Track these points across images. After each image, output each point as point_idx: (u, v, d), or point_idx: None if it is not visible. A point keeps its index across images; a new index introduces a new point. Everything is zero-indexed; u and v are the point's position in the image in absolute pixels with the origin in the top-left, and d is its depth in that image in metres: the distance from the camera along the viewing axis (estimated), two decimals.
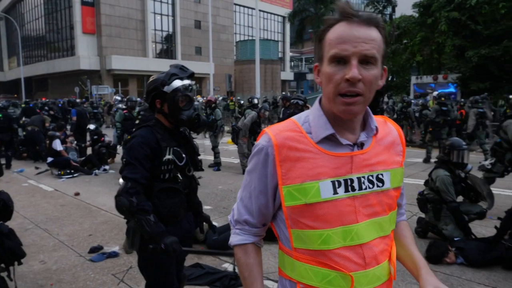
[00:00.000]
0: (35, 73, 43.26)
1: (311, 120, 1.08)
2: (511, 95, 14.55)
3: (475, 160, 10.25)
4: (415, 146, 12.91)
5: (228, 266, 3.87)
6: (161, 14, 41.41)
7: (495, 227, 4.21)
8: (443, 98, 9.84)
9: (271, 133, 1.08)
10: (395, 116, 15.92)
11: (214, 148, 9.32)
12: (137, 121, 7.26)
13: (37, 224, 5.38)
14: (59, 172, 8.70)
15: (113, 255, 4.18)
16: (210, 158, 9.67)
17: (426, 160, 9.90)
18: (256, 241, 1.19)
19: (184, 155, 2.18)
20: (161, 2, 41.23)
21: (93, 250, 4.32)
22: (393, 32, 25.26)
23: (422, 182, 5.30)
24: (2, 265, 2.98)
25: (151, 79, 2.22)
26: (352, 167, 1.04)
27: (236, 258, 1.19)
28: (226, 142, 11.96)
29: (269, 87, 29.58)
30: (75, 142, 10.44)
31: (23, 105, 15.53)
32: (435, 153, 8.09)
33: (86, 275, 3.77)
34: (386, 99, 16.78)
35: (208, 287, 3.45)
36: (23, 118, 12.62)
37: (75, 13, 36.58)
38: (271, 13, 54.60)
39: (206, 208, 5.75)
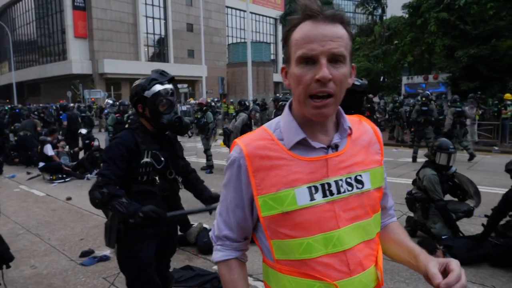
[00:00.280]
0: (27, 78, 43.00)
1: (282, 126, 1.05)
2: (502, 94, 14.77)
3: (461, 159, 10.41)
4: (406, 146, 13.01)
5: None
6: (153, 18, 41.38)
7: (482, 224, 4.28)
8: (423, 99, 10.18)
9: (241, 144, 1.05)
10: (386, 116, 16.09)
11: (206, 151, 9.34)
12: (126, 125, 7.28)
13: (28, 229, 5.36)
14: (51, 177, 8.67)
15: (104, 258, 4.19)
16: (203, 161, 9.69)
17: (413, 159, 10.06)
18: (239, 255, 1.15)
19: (162, 159, 2.18)
20: (152, 5, 41.21)
21: (84, 254, 4.33)
22: (384, 33, 25.47)
23: None
24: None
25: (134, 84, 2.27)
26: (328, 170, 1.00)
27: (220, 274, 1.15)
28: (218, 145, 11.97)
29: (262, 89, 29.64)
30: (67, 146, 10.41)
31: (6, 108, 15.44)
32: (422, 152, 8.20)
33: (77, 279, 3.78)
34: (377, 100, 16.95)
35: None
36: (15, 124, 12.56)
37: (67, 17, 36.46)
38: (263, 15, 54.79)
39: None
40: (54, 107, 19.81)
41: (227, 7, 49.85)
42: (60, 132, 11.05)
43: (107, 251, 4.37)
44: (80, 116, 12.99)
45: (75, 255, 4.36)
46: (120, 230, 2.17)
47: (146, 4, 40.49)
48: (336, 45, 0.93)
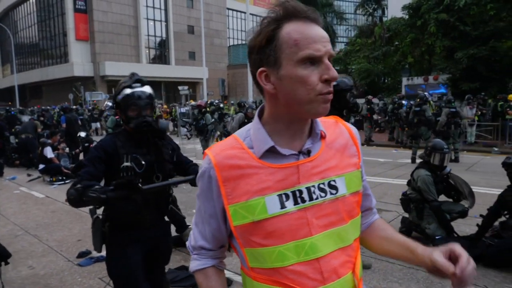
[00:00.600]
0: (29, 80, 43.17)
1: (251, 134, 1.03)
2: (499, 95, 14.77)
3: (461, 160, 10.43)
4: (406, 147, 13.02)
5: None
6: (154, 20, 41.50)
7: (477, 225, 4.31)
8: (418, 100, 10.56)
9: (211, 154, 1.03)
10: (386, 117, 16.10)
11: None
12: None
13: (27, 230, 5.42)
14: (51, 179, 8.74)
15: (101, 259, 4.22)
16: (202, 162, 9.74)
17: (412, 160, 10.12)
18: (216, 263, 1.14)
19: (143, 162, 2.14)
20: (153, 8, 41.34)
21: (81, 255, 4.38)
22: (384, 34, 25.48)
23: None
24: None
25: None
26: (299, 177, 0.98)
27: (197, 284, 1.14)
28: None
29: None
30: (67, 148, 10.48)
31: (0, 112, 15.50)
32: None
33: (73, 279, 3.83)
34: (377, 101, 16.97)
35: None
36: (15, 126, 12.63)
37: (68, 20, 36.60)
38: (261, 17, 54.72)
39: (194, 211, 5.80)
40: (55, 109, 19.85)
41: (228, 9, 49.96)
42: (59, 134, 11.13)
43: (104, 252, 4.41)
44: (80, 119, 13.08)
45: (72, 256, 4.42)
46: (105, 233, 2.19)
47: (147, 6, 40.62)
48: (330, 46, 0.94)
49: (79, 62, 36.76)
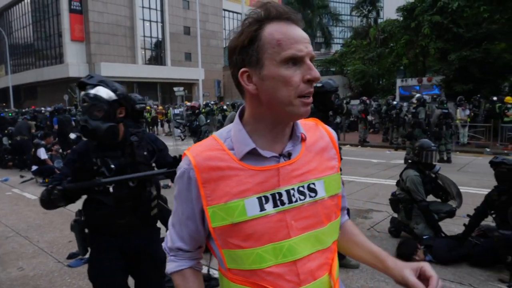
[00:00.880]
0: (24, 81, 43.04)
1: (232, 135, 1.02)
2: (494, 97, 14.88)
3: (454, 161, 10.51)
4: (399, 147, 13.09)
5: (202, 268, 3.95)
6: (150, 21, 41.50)
7: (464, 224, 4.35)
8: (416, 101, 10.77)
9: (190, 155, 1.02)
10: (379, 119, 16.19)
11: None
12: None
13: (18, 231, 5.41)
14: (44, 181, 8.71)
15: None
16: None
17: (405, 161, 10.20)
18: (193, 264, 1.14)
19: (112, 166, 2.06)
20: (149, 8, 41.33)
21: (71, 256, 4.38)
22: (378, 36, 25.59)
23: None
24: None
25: None
26: (279, 179, 0.98)
27: (175, 285, 1.13)
28: None
29: None
30: (61, 149, 10.46)
31: None
32: None
33: (63, 280, 3.84)
34: (372, 102, 17.05)
35: None
36: (8, 128, 12.59)
37: (63, 20, 36.56)
38: None
39: None
40: (47, 110, 19.69)
41: (224, 10, 50.04)
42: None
43: None
44: (73, 120, 13.04)
45: (62, 257, 4.42)
46: (86, 239, 2.18)
47: (143, 7, 40.61)
48: (311, 48, 0.95)
49: (74, 63, 36.70)
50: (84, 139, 2.18)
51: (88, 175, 1.96)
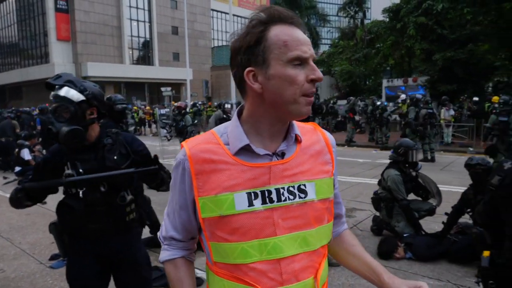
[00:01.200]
0: (9, 81, 42.30)
1: (229, 131, 1.05)
2: (475, 97, 15.17)
3: (437, 160, 10.70)
4: (384, 148, 13.25)
5: None
6: (138, 20, 41.16)
7: (443, 222, 4.45)
8: (409, 101, 11.15)
9: (187, 147, 1.06)
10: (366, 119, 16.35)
11: None
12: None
13: (0, 233, 5.35)
14: None
15: None
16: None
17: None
18: (186, 254, 1.17)
19: (81, 170, 1.97)
20: (137, 8, 41.00)
21: (53, 257, 4.35)
22: (365, 37, 25.83)
23: None
24: None
25: None
26: (270, 177, 1.00)
27: (166, 273, 1.17)
28: None
29: None
30: (44, 150, 10.33)
31: None
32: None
33: (44, 282, 3.82)
34: (359, 102, 17.21)
35: None
36: None
37: (49, 19, 36.02)
38: (247, 18, 54.83)
39: None
40: (34, 110, 19.40)
41: (212, 10, 49.85)
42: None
43: None
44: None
45: (44, 259, 4.39)
46: (64, 241, 2.16)
47: (130, 6, 40.24)
48: (313, 50, 1.00)
49: (60, 62, 36.18)
50: None
51: (59, 176, 1.95)
